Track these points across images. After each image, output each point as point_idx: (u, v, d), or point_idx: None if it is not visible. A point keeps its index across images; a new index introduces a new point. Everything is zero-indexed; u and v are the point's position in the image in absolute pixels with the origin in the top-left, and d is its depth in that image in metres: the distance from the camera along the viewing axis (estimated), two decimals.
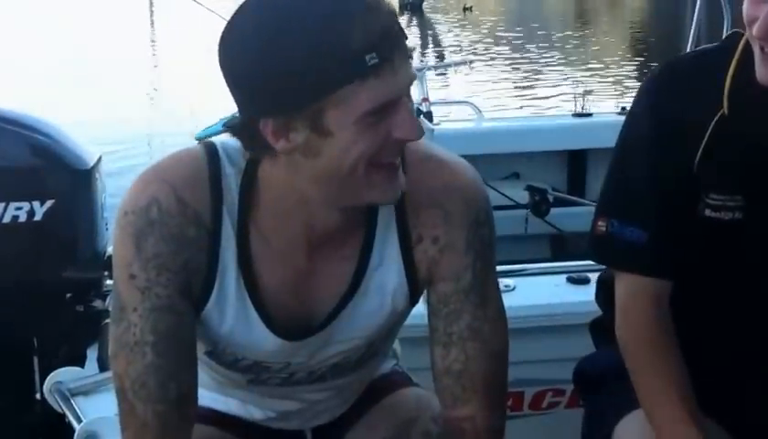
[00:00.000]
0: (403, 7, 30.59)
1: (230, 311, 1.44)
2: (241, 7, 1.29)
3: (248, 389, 1.59)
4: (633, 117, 1.69)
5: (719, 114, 1.59)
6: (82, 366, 2.62)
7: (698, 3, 4.13)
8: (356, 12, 1.22)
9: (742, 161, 1.60)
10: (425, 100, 5.58)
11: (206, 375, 1.57)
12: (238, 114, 1.32)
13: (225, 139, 1.41)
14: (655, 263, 1.64)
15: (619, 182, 1.69)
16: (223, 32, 1.29)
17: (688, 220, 1.63)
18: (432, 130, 4.97)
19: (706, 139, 1.60)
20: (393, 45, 1.24)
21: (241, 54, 1.27)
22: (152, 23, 25.06)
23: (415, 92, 5.66)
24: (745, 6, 1.50)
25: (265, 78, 1.24)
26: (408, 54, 1.27)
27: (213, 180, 1.39)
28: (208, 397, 1.62)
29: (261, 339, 1.46)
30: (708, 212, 1.61)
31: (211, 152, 1.41)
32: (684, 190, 1.61)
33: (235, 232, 1.41)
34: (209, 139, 1.45)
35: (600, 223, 1.68)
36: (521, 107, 11.92)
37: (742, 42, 1.60)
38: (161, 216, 1.37)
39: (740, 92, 1.58)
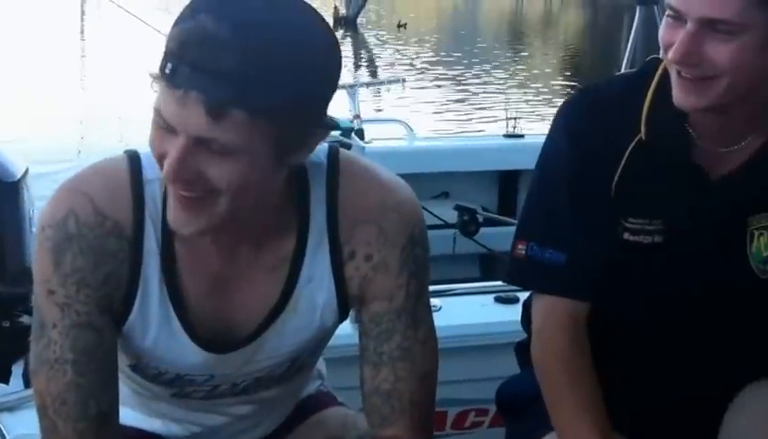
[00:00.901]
0: (337, 22, 30.58)
1: (154, 324, 1.43)
2: None
3: (171, 402, 1.58)
4: (551, 141, 1.72)
5: (636, 139, 1.63)
6: (7, 382, 2.58)
7: (635, 25, 4.19)
8: (188, 23, 1.21)
9: (661, 185, 1.63)
10: (357, 117, 5.59)
11: (128, 389, 1.56)
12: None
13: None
14: (572, 285, 1.67)
15: (538, 206, 1.72)
16: None
17: (608, 244, 1.66)
18: (363, 148, 4.99)
19: (623, 164, 1.63)
20: (190, 79, 1.19)
21: None
22: (82, 33, 24.68)
23: (347, 109, 5.68)
24: (661, 32, 1.54)
25: None
26: (216, 113, 1.19)
27: (134, 189, 1.38)
28: (131, 415, 1.61)
29: (184, 352, 1.45)
30: (627, 235, 1.65)
31: (133, 159, 1.40)
32: (603, 214, 1.65)
33: (158, 242, 1.39)
34: (132, 149, 1.44)
35: (519, 246, 1.71)
36: (454, 126, 12.00)
37: (660, 67, 1.64)
38: (79, 228, 1.35)
39: (657, 117, 1.62)
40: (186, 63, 1.20)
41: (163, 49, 1.24)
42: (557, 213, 1.67)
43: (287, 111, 1.24)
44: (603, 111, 1.67)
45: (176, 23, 1.24)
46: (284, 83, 1.22)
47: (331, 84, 1.32)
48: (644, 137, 1.62)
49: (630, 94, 1.66)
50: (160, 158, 1.28)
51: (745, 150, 1.63)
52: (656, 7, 4.04)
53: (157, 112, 1.25)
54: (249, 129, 1.22)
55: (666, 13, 1.53)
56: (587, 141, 1.65)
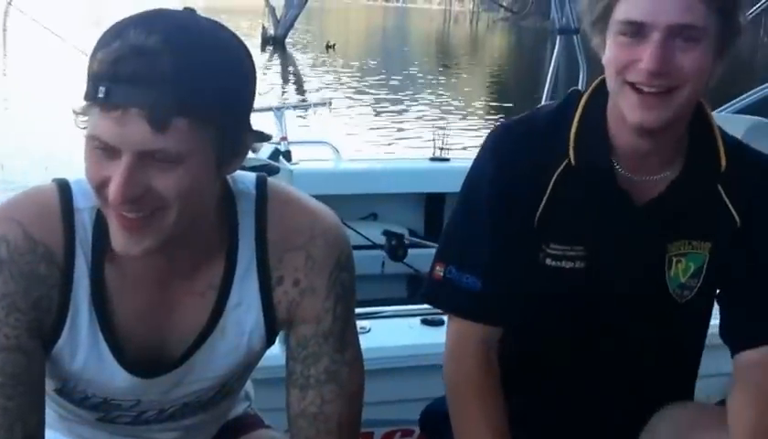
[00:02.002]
0: (266, 42, 30.55)
1: (82, 348, 1.43)
2: None
3: (97, 427, 1.57)
4: (477, 167, 1.74)
5: (563, 166, 1.66)
6: None
7: (555, 53, 4.26)
8: (113, 43, 1.22)
9: (585, 211, 1.67)
10: (284, 138, 5.60)
11: (54, 413, 1.55)
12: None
13: (78, 175, 1.41)
14: (485, 311, 1.70)
15: (459, 230, 1.75)
16: None
17: (529, 269, 1.69)
18: (291, 170, 4.99)
19: (549, 190, 1.66)
20: (129, 95, 1.21)
21: None
22: (4, 49, 24.26)
23: (274, 131, 5.68)
24: (615, 53, 1.54)
25: None
26: (159, 123, 1.21)
27: (65, 216, 1.39)
28: None
29: (112, 376, 1.45)
30: (548, 261, 1.68)
31: (63, 188, 1.41)
32: (524, 242, 1.67)
33: (89, 268, 1.40)
34: (61, 178, 1.44)
35: (438, 268, 1.73)
36: (380, 149, 12.03)
37: (584, 98, 1.68)
38: (10, 254, 1.36)
39: (583, 144, 1.65)
40: (121, 81, 1.21)
41: (87, 76, 1.24)
42: (476, 239, 1.70)
43: (223, 112, 1.27)
44: (531, 140, 1.69)
45: (100, 47, 1.24)
46: (217, 84, 1.25)
47: (254, 85, 1.35)
48: (572, 162, 1.65)
49: (556, 123, 1.69)
50: (101, 186, 1.28)
51: (665, 179, 1.66)
52: (575, 37, 4.13)
53: (93, 138, 1.25)
54: (191, 135, 1.24)
55: (618, 32, 1.53)
56: (513, 170, 1.67)
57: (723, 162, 1.66)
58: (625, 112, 1.56)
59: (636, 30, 1.51)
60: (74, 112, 1.27)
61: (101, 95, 1.22)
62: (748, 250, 1.69)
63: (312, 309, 1.49)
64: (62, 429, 1.61)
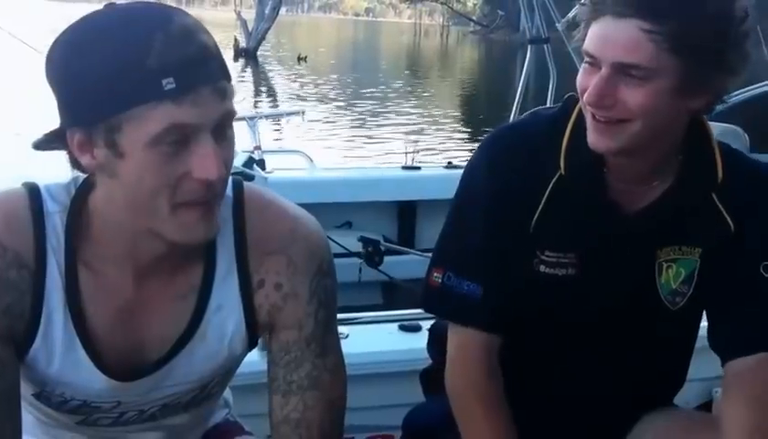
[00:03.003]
0: (238, 54, 30.55)
1: (58, 352, 1.41)
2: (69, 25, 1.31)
3: (77, 430, 1.55)
4: (471, 173, 1.73)
5: (557, 175, 1.66)
6: None
7: (527, 63, 4.29)
8: (156, 37, 1.23)
9: (577, 220, 1.66)
10: (257, 148, 5.62)
11: (32, 418, 1.53)
12: None
13: (49, 181, 1.40)
14: (488, 319, 1.69)
15: (456, 237, 1.73)
16: (50, 46, 1.32)
17: (524, 276, 1.68)
18: (266, 178, 4.98)
19: (545, 199, 1.66)
20: (197, 75, 1.25)
21: (52, 63, 1.30)
22: None
23: (248, 140, 5.68)
24: (579, 77, 1.58)
25: (68, 88, 1.28)
26: (222, 91, 1.28)
27: (35, 220, 1.37)
28: None
29: (90, 380, 1.43)
30: (543, 268, 1.68)
31: (32, 192, 1.39)
32: (518, 249, 1.67)
33: (61, 272, 1.38)
34: (30, 181, 1.42)
35: (435, 275, 1.72)
36: (352, 158, 12.05)
37: (576, 107, 1.67)
38: None
39: (575, 154, 1.65)
40: (188, 64, 1.24)
41: (130, 82, 1.23)
42: (473, 245, 1.69)
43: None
44: (527, 148, 1.69)
45: (136, 50, 1.23)
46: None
47: None
48: (563, 173, 1.65)
49: (552, 131, 1.69)
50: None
51: (657, 189, 1.66)
52: (546, 46, 4.16)
53: (172, 128, 1.25)
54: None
55: (585, 59, 1.56)
56: (507, 178, 1.67)
57: (720, 174, 1.67)
58: (587, 130, 1.59)
59: (593, 61, 1.54)
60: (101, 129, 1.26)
61: (170, 87, 1.23)
62: (742, 256, 1.68)
63: (294, 314, 1.48)
64: (42, 434, 1.58)
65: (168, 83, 1.22)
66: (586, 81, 1.55)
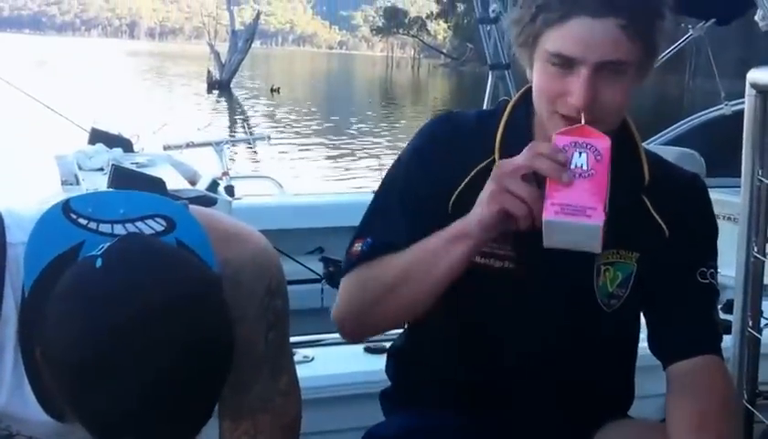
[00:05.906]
0: (211, 86, 30.65)
1: (6, 387, 1.35)
2: None
3: None
4: (402, 153, 1.77)
5: (484, 164, 1.65)
6: None
7: (489, 87, 4.32)
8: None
9: None
10: (225, 174, 5.57)
11: None
12: None
13: (13, 207, 1.34)
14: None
15: (377, 208, 1.76)
16: None
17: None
18: (230, 201, 4.93)
19: (467, 180, 1.66)
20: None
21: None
22: None
23: (215, 166, 5.65)
24: (545, 84, 1.56)
25: None
26: None
27: None
28: None
29: (35, 417, 1.38)
30: (478, 258, 1.64)
31: None
32: (439, 223, 1.62)
33: (17, 306, 1.32)
34: None
35: (356, 245, 1.72)
36: (324, 186, 12.10)
37: (511, 104, 1.70)
38: None
39: (509, 145, 1.64)
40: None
41: None
42: (392, 212, 1.71)
43: None
44: (457, 135, 1.71)
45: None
46: None
47: None
48: (497, 161, 1.64)
49: (485, 124, 1.71)
50: None
51: None
52: (507, 72, 4.19)
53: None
54: None
55: (547, 61, 1.54)
56: (431, 160, 1.69)
57: (647, 174, 1.68)
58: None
59: (565, 63, 1.52)
60: None
61: None
62: (678, 262, 1.68)
63: (241, 337, 1.39)
64: None
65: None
66: (560, 86, 1.53)
